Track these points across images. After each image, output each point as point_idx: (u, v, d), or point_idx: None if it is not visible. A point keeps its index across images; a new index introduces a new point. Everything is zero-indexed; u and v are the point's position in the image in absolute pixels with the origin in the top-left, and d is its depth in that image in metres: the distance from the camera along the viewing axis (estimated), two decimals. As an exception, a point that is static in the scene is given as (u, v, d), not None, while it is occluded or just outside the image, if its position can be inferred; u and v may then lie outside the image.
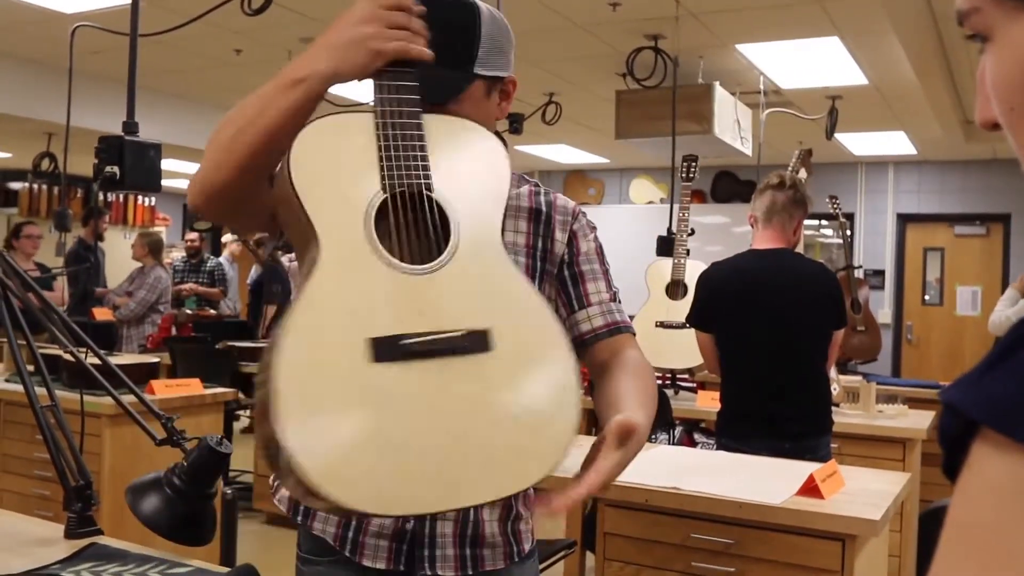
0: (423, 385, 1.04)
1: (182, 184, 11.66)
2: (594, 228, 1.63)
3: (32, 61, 6.37)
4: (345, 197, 1.12)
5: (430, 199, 1.16)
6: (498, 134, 1.54)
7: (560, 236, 1.57)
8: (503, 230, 1.39)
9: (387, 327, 1.04)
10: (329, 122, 1.17)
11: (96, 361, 1.99)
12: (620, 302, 1.62)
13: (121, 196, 10.75)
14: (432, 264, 1.13)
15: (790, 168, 4.58)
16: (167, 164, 9.60)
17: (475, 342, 1.09)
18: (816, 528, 2.18)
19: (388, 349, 1.04)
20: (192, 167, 9.92)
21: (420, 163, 1.17)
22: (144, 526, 1.59)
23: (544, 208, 1.58)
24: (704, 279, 3.32)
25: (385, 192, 1.14)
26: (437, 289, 1.11)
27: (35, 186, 9.99)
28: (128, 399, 1.85)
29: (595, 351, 1.56)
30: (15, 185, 10.49)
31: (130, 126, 2.12)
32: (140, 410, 1.81)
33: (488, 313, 1.12)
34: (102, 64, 5.82)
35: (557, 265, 1.57)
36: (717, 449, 3.20)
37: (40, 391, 1.72)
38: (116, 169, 1.91)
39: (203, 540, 1.56)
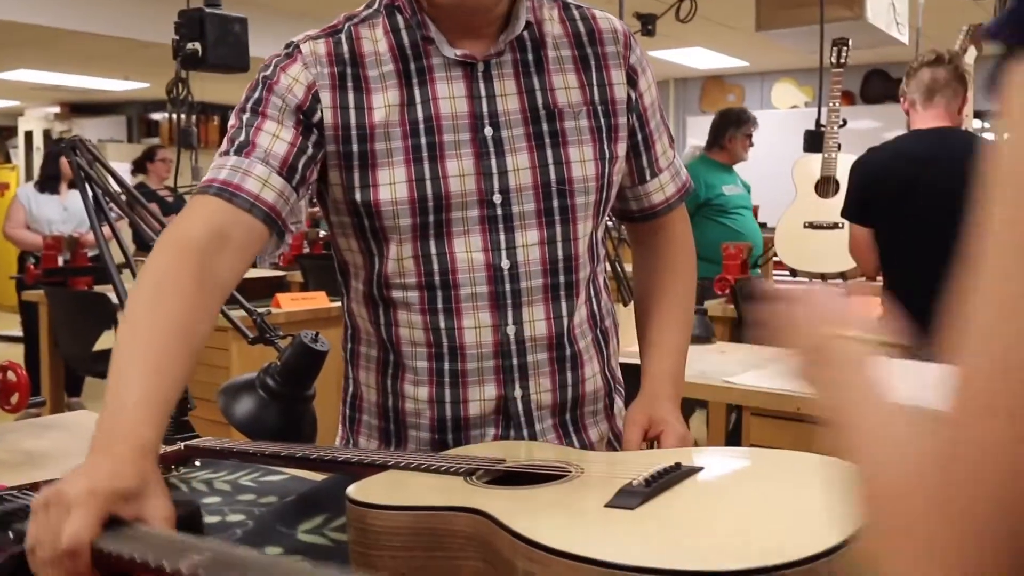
0: None
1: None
2: (646, 59, 1.30)
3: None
4: None
5: None
6: None
7: (617, 77, 1.24)
8: (551, 89, 1.19)
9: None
10: None
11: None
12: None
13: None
14: None
15: (957, 45, 4.10)
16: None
17: None
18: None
19: None
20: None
21: None
22: (238, 431, 1.45)
23: (587, 40, 1.24)
24: (859, 166, 2.98)
25: None
26: None
27: (175, 116, 10.23)
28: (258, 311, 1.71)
29: (656, 223, 1.37)
30: (156, 116, 10.76)
31: (211, -3, 1.90)
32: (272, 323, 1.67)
33: None
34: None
35: (625, 114, 1.25)
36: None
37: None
38: (198, 45, 1.72)
39: (301, 446, 1.41)
